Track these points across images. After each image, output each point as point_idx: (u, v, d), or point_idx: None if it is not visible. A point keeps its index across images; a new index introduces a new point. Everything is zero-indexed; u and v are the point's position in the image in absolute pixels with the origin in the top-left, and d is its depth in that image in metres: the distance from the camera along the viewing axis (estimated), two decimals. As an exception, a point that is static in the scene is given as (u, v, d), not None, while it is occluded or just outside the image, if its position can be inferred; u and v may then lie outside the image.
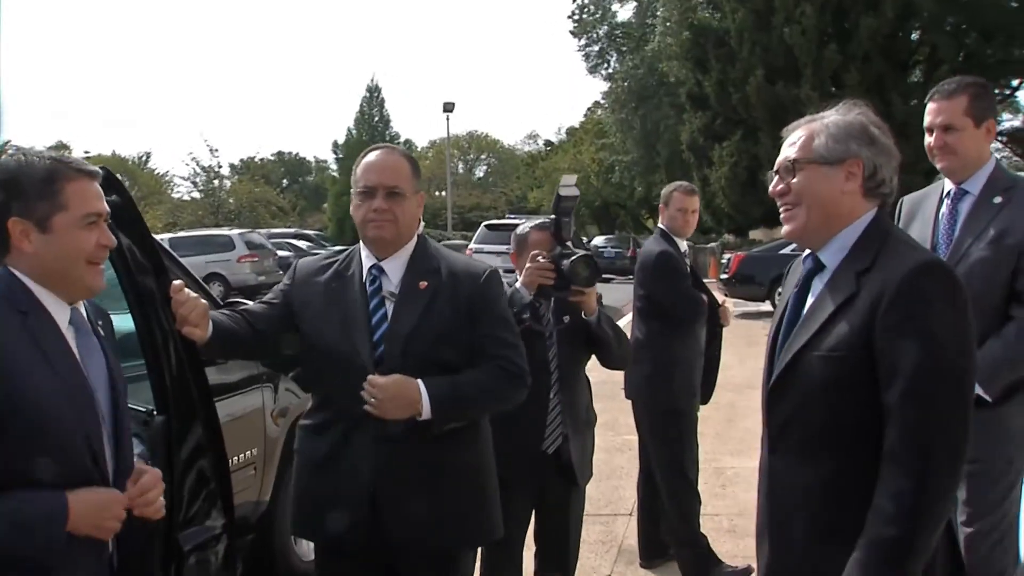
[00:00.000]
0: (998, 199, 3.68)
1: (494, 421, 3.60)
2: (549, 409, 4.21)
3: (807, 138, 2.56)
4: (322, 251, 29.79)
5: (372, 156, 3.47)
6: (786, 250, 22.13)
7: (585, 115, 70.00)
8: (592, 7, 52.44)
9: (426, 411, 3.21)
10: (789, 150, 2.59)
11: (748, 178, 32.05)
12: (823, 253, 2.55)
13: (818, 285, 2.55)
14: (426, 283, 3.38)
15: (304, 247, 34.91)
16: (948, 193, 3.89)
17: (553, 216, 4.13)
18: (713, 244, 32.30)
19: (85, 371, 2.53)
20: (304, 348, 3.44)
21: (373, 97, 55.66)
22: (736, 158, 32.27)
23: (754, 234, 39.42)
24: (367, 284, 3.39)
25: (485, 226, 25.17)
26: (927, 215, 3.98)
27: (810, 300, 2.56)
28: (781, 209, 2.59)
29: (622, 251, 37.26)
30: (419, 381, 3.21)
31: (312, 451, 3.42)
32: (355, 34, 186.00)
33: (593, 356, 4.41)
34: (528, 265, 4.08)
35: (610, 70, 52.12)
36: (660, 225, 5.90)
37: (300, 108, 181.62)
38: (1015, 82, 41.31)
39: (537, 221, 4.43)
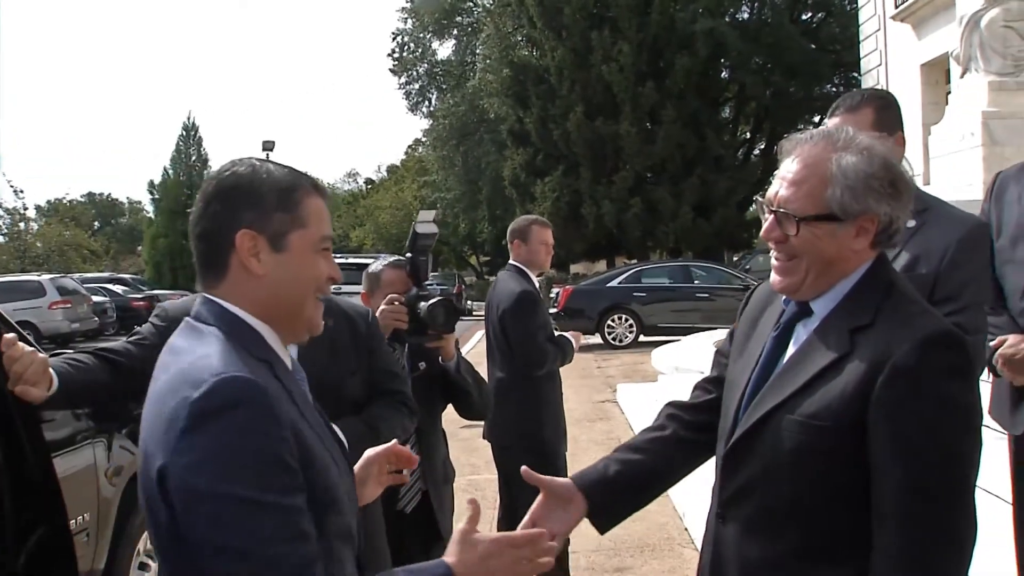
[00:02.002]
0: (911, 223, 3.12)
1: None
2: None
3: (817, 184, 2.10)
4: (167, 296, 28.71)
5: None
6: (613, 283, 22.54)
7: (406, 153, 70.16)
8: (412, 45, 52.68)
9: None
10: (791, 192, 2.13)
11: (570, 213, 32.59)
12: (812, 300, 2.19)
13: (802, 333, 2.19)
14: (323, 322, 3.19)
15: (120, 292, 33.64)
16: None
17: (409, 254, 3.85)
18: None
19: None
20: None
21: (190, 135, 54.17)
22: (558, 193, 32.74)
23: (575, 268, 40.08)
24: None
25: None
26: None
27: (791, 350, 2.19)
28: (773, 256, 2.20)
29: (448, 288, 37.26)
30: (333, 426, 3.03)
31: None
32: (170, 70, 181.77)
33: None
34: (382, 307, 3.78)
35: (431, 107, 52.42)
36: (514, 262, 5.65)
37: (112, 147, 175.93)
38: (817, 118, 43.53)
39: (392, 259, 4.14)
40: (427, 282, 3.88)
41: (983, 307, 3.22)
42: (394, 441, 2.39)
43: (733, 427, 2.23)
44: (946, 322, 2.10)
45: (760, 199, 2.22)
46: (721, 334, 14.65)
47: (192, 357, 1.79)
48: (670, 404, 2.58)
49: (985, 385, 3.77)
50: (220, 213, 1.90)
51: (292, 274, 1.94)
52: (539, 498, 2.26)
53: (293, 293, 1.95)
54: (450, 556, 1.89)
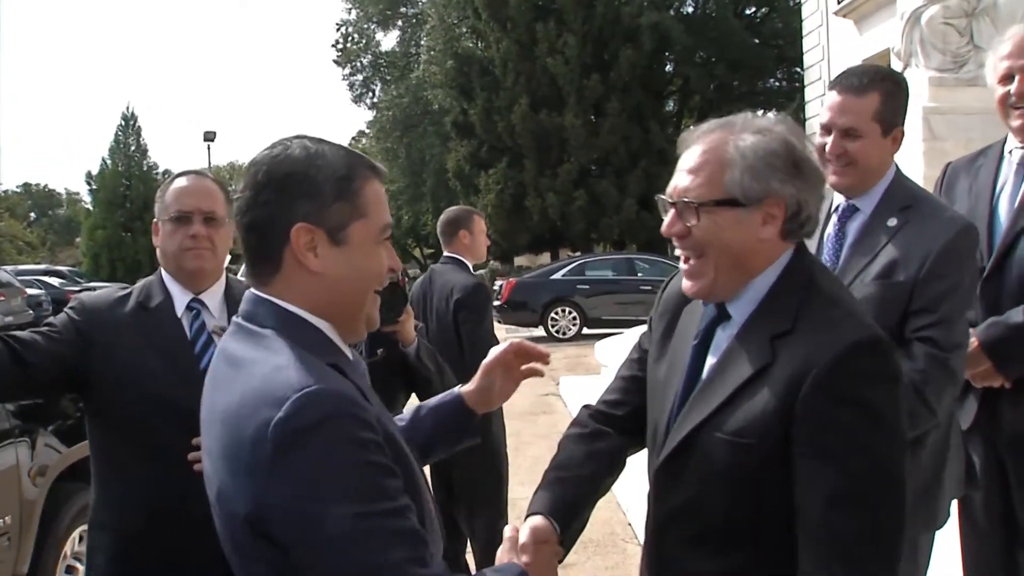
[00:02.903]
0: (893, 221, 3.00)
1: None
2: None
3: (716, 168, 1.99)
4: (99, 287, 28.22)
5: (184, 181, 3.11)
6: (557, 275, 22.49)
7: (350, 144, 69.44)
8: (356, 36, 52.28)
9: None
10: (690, 180, 2.02)
11: (514, 205, 32.56)
12: (729, 303, 2.06)
13: (722, 340, 2.07)
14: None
15: (57, 284, 32.95)
16: (836, 208, 3.18)
17: None
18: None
19: None
20: (109, 399, 2.93)
21: (129, 125, 52.93)
22: (502, 185, 32.70)
23: (519, 260, 40.03)
24: (187, 321, 3.02)
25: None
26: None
27: (711, 360, 2.08)
28: (681, 255, 2.08)
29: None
30: None
31: (130, 546, 2.90)
32: (108, 59, 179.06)
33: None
34: None
35: (375, 99, 52.06)
36: (454, 254, 5.44)
37: (49, 136, 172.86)
38: (760, 112, 43.98)
39: None
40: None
41: (963, 321, 2.99)
42: (519, 339, 2.33)
43: (663, 442, 2.12)
44: (871, 326, 1.95)
45: (661, 196, 2.09)
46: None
47: (263, 370, 1.66)
48: (595, 411, 2.45)
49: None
50: (273, 203, 1.76)
51: (353, 269, 1.80)
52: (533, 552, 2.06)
53: (354, 289, 1.83)
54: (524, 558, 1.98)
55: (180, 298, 3.05)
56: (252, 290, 1.82)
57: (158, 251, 3.11)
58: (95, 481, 3.08)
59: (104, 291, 3.21)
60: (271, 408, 1.57)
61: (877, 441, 1.84)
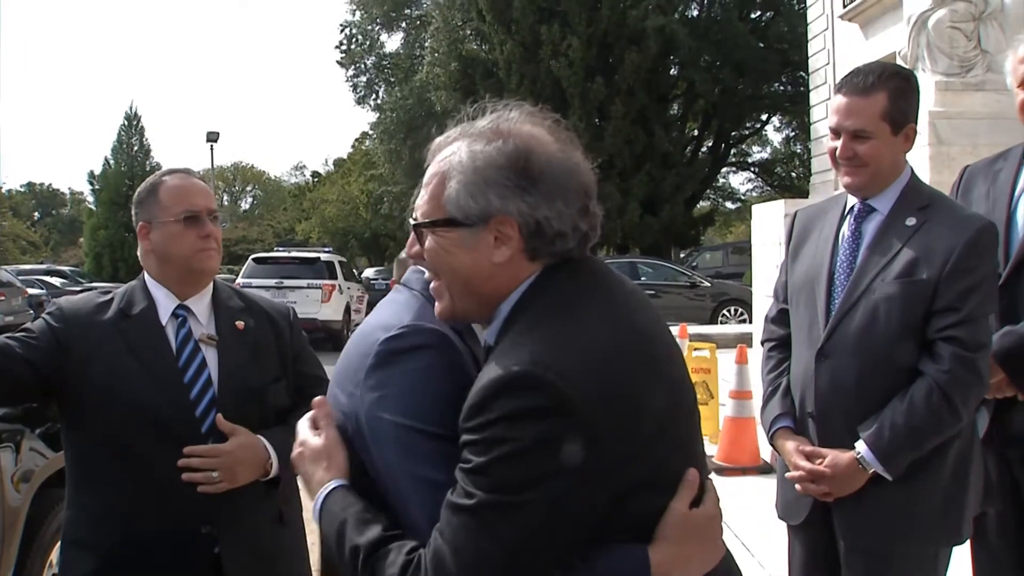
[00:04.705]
0: (911, 220, 2.96)
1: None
2: None
3: (438, 183, 1.80)
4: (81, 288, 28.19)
5: (183, 180, 3.00)
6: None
7: (353, 146, 69.59)
8: (360, 37, 52.20)
9: (275, 467, 2.84)
10: (421, 197, 1.86)
11: (518, 208, 32.48)
12: (487, 331, 1.86)
13: None
14: (242, 323, 3.00)
15: (58, 284, 32.97)
16: (851, 209, 3.13)
17: None
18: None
19: None
20: (86, 408, 2.85)
21: (132, 125, 52.84)
22: (506, 188, 32.62)
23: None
24: (172, 327, 2.92)
25: (253, 259, 23.93)
26: (825, 236, 3.17)
27: None
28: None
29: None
30: (258, 436, 2.84)
31: (107, 564, 2.82)
32: (112, 59, 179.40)
33: None
34: None
35: (378, 100, 51.96)
36: None
37: (52, 136, 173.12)
38: (764, 116, 43.87)
39: None
40: None
41: (987, 319, 2.96)
42: None
43: None
44: (523, 363, 1.62)
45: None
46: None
47: (391, 308, 1.94)
48: None
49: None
50: None
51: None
52: None
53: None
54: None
55: (165, 305, 2.94)
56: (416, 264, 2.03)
57: (150, 255, 2.99)
58: (70, 495, 3.00)
59: (84, 296, 3.09)
60: (384, 332, 1.83)
61: (506, 477, 1.59)
